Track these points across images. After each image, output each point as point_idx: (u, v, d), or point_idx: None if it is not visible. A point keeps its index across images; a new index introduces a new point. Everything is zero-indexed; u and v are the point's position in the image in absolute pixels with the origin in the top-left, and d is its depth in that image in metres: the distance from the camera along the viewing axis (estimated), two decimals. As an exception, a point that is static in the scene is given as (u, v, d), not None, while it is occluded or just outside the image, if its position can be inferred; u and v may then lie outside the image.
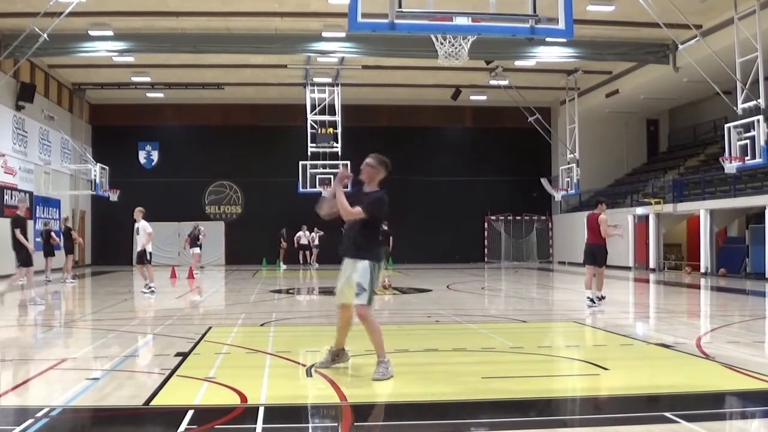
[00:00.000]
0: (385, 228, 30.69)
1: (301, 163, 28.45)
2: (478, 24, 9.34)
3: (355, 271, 6.39)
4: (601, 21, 21.72)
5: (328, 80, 28.77)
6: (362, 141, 31.64)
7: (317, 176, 28.46)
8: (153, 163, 33.53)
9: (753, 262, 22.34)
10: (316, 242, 31.09)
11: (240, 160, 32.40)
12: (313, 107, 28.57)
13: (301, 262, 30.57)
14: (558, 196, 30.13)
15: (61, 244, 21.42)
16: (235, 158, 32.46)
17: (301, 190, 28.45)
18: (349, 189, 6.78)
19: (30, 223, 24.62)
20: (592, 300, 13.16)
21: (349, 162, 28.31)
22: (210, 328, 9.91)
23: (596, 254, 13.31)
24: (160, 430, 5.09)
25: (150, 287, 16.32)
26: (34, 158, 25.59)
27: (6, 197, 22.95)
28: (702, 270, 23.75)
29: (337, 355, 6.74)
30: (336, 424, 5.12)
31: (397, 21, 8.93)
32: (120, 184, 29.22)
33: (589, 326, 10.62)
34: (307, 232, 30.86)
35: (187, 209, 31.81)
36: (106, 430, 5.23)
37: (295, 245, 30.63)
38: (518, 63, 26.17)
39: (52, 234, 20.87)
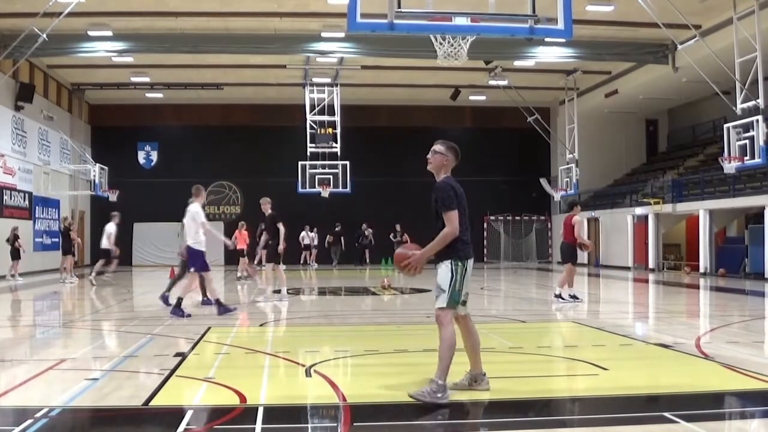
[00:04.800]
0: (337, 229, 31.14)
1: (300, 163, 28.45)
2: (477, 24, 9.34)
3: (437, 274, 5.69)
4: (600, 21, 21.73)
5: (328, 80, 28.76)
6: (362, 141, 31.78)
7: (316, 176, 28.48)
8: (152, 164, 33.52)
9: (752, 262, 22.35)
10: (316, 242, 31.10)
11: (239, 160, 32.39)
12: (313, 107, 28.56)
13: (301, 262, 30.58)
14: (557, 196, 30.14)
15: (60, 244, 21.46)
16: (234, 158, 32.45)
17: (300, 190, 28.47)
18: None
19: (29, 223, 24.76)
20: (559, 297, 13.66)
21: (348, 162, 28.45)
22: (209, 328, 9.91)
23: (563, 252, 14.14)
24: (160, 431, 5.09)
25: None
26: (34, 158, 25.59)
27: (5, 198, 22.93)
28: (701, 270, 23.75)
29: (475, 379, 5.83)
30: (335, 425, 5.12)
31: (396, 21, 8.93)
32: (119, 184, 29.23)
33: (589, 326, 10.63)
34: (310, 233, 30.88)
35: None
36: (106, 430, 5.23)
37: (302, 245, 30.63)
38: (517, 63, 26.17)
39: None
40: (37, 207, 25.74)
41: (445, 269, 5.61)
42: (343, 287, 19.88)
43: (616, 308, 13.93)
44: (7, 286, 18.96)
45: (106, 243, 20.15)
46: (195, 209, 11.87)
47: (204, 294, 13.14)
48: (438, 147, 5.95)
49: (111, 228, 20.36)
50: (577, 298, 13.73)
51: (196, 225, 11.72)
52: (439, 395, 5.29)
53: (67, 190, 29.13)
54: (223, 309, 11.57)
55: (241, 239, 22.41)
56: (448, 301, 5.56)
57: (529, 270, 28.78)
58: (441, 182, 5.77)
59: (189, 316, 11.16)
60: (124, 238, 31.54)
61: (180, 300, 11.36)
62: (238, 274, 22.20)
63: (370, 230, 31.45)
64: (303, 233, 30.57)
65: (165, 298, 12.82)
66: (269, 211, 14.01)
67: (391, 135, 32.34)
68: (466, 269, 5.65)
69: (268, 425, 4.94)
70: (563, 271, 14.03)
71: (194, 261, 11.82)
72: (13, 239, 20.58)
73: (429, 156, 5.92)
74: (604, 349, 8.45)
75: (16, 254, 20.67)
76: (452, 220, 5.58)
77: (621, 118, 32.06)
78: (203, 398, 5.80)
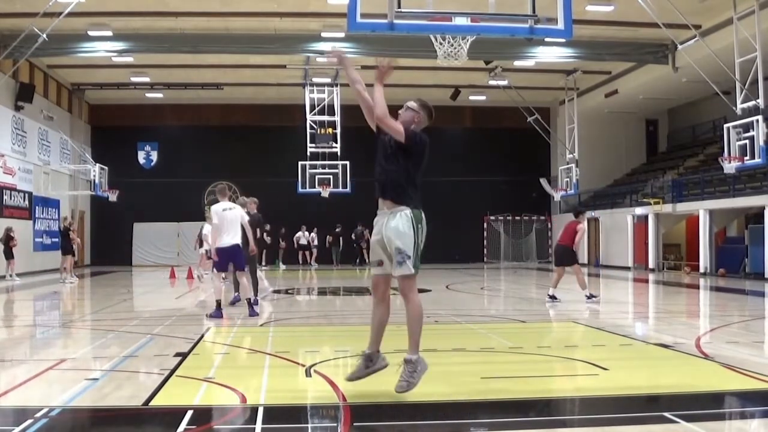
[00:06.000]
0: (337, 230, 31.13)
1: (300, 163, 28.46)
2: (477, 24, 9.34)
3: (392, 223, 5.14)
4: (600, 21, 21.73)
5: (328, 80, 28.75)
6: (362, 141, 31.43)
7: (316, 176, 28.50)
8: (152, 164, 33.52)
9: (752, 262, 22.35)
10: (316, 242, 31.11)
11: (239, 160, 32.35)
12: (313, 107, 28.55)
13: (301, 262, 30.60)
14: (557, 196, 30.14)
15: (60, 244, 21.46)
16: (235, 158, 32.41)
17: (300, 190, 28.49)
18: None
19: (29, 223, 24.77)
20: (552, 297, 13.71)
21: (348, 162, 28.44)
22: (209, 328, 9.91)
23: (560, 255, 14.22)
24: (160, 431, 5.09)
25: None
26: (34, 158, 25.59)
27: (5, 198, 22.93)
28: (701, 270, 23.75)
29: (371, 359, 5.44)
30: (335, 425, 5.12)
31: (396, 21, 8.92)
32: (119, 184, 29.23)
33: (589, 326, 10.63)
34: (307, 233, 30.90)
35: (186, 209, 31.80)
36: (105, 430, 5.23)
37: (295, 245, 30.68)
38: (517, 63, 26.17)
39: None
40: (37, 207, 25.73)
41: (404, 225, 5.13)
42: (342, 287, 19.88)
43: (616, 308, 13.93)
44: (5, 286, 18.96)
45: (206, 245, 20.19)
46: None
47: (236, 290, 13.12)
48: (411, 103, 5.60)
49: (207, 229, 20.44)
50: (556, 299, 13.73)
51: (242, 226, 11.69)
52: (419, 368, 5.21)
53: (67, 190, 29.13)
54: (218, 312, 11.24)
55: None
56: (414, 267, 5.15)
57: (529, 270, 28.77)
58: (413, 131, 5.38)
59: (256, 314, 11.36)
60: (125, 238, 31.66)
61: (248, 299, 11.50)
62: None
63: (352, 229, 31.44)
64: (299, 233, 30.60)
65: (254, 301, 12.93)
66: (254, 211, 13.87)
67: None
68: (423, 228, 5.22)
69: (268, 425, 4.94)
70: (573, 274, 13.98)
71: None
72: (7, 239, 20.55)
73: (401, 111, 5.57)
74: (604, 349, 8.45)
75: (9, 254, 20.65)
76: (392, 123, 5.24)
77: (621, 118, 32.05)
78: (203, 398, 5.80)
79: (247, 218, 11.91)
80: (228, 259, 11.53)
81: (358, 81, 5.39)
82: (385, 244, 5.28)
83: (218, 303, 11.28)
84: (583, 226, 13.91)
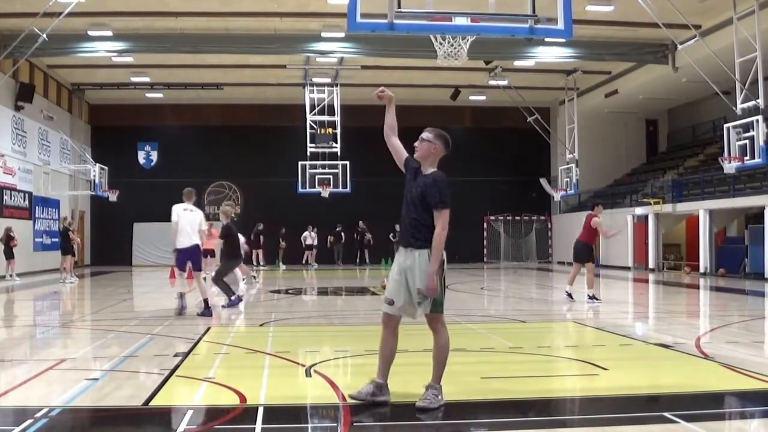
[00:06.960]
0: (338, 230, 31.16)
1: (300, 163, 28.46)
2: (477, 24, 9.35)
3: (414, 264, 5.25)
4: (600, 21, 21.73)
5: (328, 80, 28.76)
6: (361, 141, 31.62)
7: (316, 176, 28.51)
8: (152, 164, 33.52)
9: (752, 262, 22.35)
10: (316, 242, 31.11)
11: (239, 160, 32.36)
12: (313, 107, 28.56)
13: (303, 262, 30.59)
14: (557, 196, 30.14)
15: (60, 244, 21.45)
16: (235, 158, 32.41)
17: (300, 190, 28.49)
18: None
19: (29, 223, 24.77)
20: (569, 295, 13.80)
21: (348, 162, 28.44)
22: (209, 328, 9.91)
23: (578, 251, 14.15)
24: (160, 431, 5.09)
25: None
26: (34, 158, 25.58)
27: (5, 198, 22.93)
28: (701, 270, 23.75)
29: (380, 389, 5.41)
30: (335, 425, 5.12)
31: (396, 21, 8.93)
32: (119, 184, 29.23)
33: (589, 326, 10.63)
34: (313, 233, 30.87)
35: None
36: (106, 430, 5.23)
37: (303, 245, 30.66)
38: (517, 63, 26.17)
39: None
40: (37, 207, 25.73)
41: (425, 267, 5.21)
42: (343, 287, 19.88)
43: (616, 308, 13.92)
44: (5, 286, 18.96)
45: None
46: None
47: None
48: (426, 134, 5.65)
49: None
50: (572, 297, 13.78)
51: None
52: (440, 397, 5.30)
53: (67, 190, 29.12)
54: (207, 312, 11.40)
55: (210, 239, 21.51)
56: (432, 307, 5.30)
57: (529, 270, 28.77)
58: (439, 175, 5.47)
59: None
60: (125, 238, 31.66)
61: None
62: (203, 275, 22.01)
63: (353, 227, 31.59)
64: (305, 233, 30.58)
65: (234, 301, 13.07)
66: (233, 214, 13.95)
67: (391, 135, 32.30)
68: (444, 269, 5.33)
69: (268, 425, 4.94)
70: (585, 272, 14.00)
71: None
72: (7, 239, 20.55)
73: (416, 144, 5.65)
74: (604, 349, 8.45)
75: (10, 254, 20.65)
76: (446, 220, 5.29)
77: (621, 118, 32.05)
78: (203, 398, 5.81)
79: (204, 223, 12.05)
80: (186, 259, 11.71)
81: (394, 128, 5.87)
82: (405, 282, 5.33)
83: (206, 302, 11.45)
84: (597, 219, 13.93)
